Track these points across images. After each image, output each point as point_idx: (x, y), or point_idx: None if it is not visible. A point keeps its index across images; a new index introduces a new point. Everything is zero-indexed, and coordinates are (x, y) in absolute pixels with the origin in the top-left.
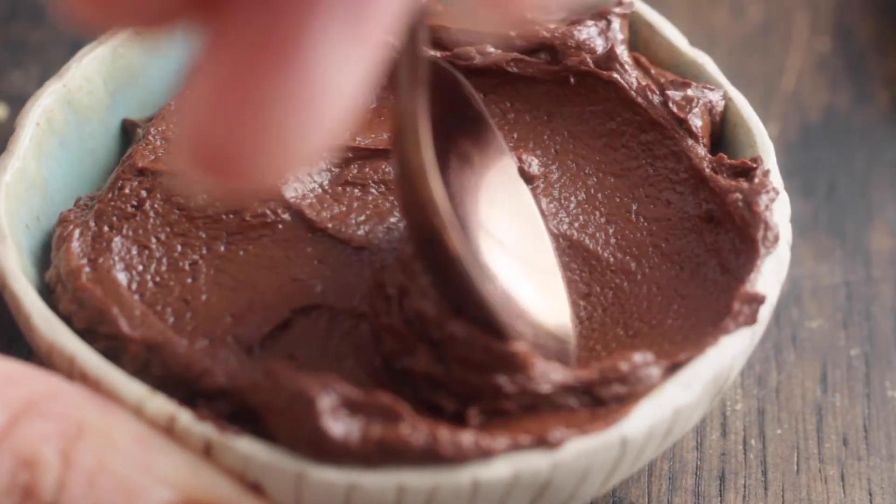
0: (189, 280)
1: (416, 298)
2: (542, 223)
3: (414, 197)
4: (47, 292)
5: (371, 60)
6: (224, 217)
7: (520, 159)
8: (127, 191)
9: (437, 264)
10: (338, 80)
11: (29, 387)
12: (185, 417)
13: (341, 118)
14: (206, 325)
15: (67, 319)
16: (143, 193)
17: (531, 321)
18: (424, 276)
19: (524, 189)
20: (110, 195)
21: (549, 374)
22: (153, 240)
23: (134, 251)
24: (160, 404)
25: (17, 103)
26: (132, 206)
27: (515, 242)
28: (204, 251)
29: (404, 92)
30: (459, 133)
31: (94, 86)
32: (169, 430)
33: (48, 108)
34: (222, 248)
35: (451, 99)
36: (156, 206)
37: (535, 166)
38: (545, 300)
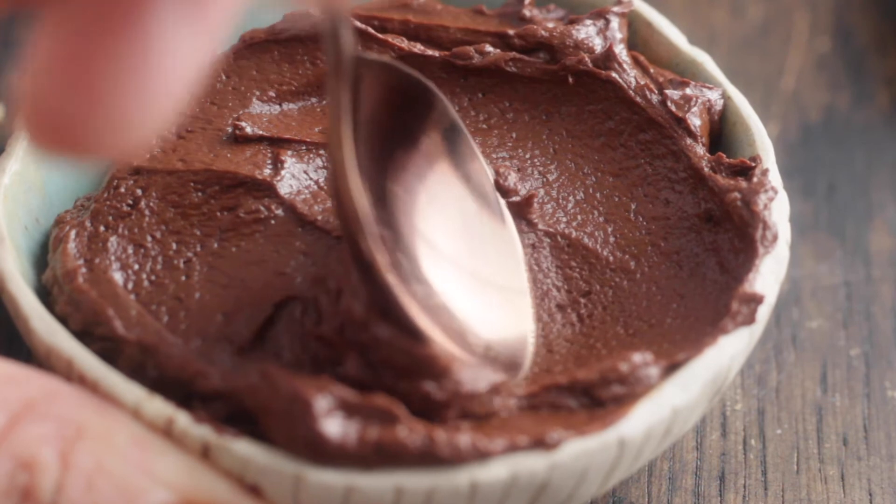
0: (183, 278)
1: (347, 297)
2: (517, 241)
3: (335, 193)
4: (45, 294)
5: (209, 38)
6: (219, 214)
7: (497, 172)
8: (122, 189)
9: (357, 264)
10: (174, 55)
11: (28, 388)
12: (182, 419)
13: (178, 92)
14: (200, 323)
15: (64, 321)
16: (139, 192)
17: (478, 333)
18: (356, 274)
19: (500, 204)
20: (106, 194)
21: (479, 379)
22: (148, 238)
23: (130, 250)
24: (158, 406)
25: None
26: (128, 204)
27: (471, 257)
28: (198, 248)
29: (330, 89)
30: (422, 140)
31: None
32: (167, 431)
33: None
34: (216, 245)
35: (415, 107)
36: (151, 204)
37: (511, 180)
38: (501, 316)
